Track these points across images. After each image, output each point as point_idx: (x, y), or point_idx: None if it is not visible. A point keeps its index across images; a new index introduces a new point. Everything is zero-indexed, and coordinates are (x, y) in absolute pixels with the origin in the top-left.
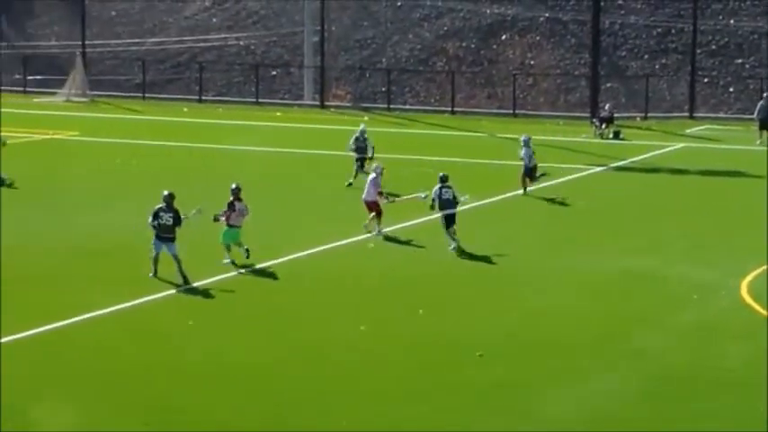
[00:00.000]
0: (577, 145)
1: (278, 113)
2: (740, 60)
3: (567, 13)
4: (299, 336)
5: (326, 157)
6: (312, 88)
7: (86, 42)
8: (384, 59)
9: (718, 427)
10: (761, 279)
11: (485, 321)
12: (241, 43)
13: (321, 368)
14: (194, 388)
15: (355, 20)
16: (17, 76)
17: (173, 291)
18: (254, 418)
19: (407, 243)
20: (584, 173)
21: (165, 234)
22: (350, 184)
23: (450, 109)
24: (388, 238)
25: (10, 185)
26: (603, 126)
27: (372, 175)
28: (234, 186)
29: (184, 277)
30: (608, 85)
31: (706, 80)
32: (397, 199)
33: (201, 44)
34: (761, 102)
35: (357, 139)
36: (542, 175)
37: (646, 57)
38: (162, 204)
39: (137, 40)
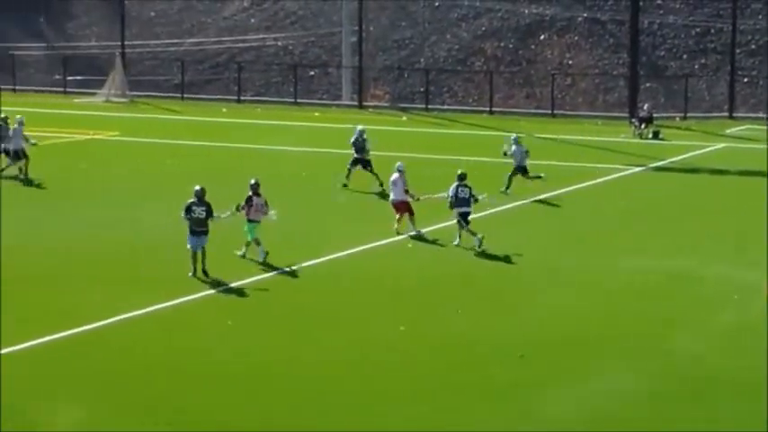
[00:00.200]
0: (616, 145)
1: (316, 113)
2: None
3: (606, 13)
4: (337, 336)
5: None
6: (350, 88)
7: (126, 43)
8: (422, 59)
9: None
10: None
11: (524, 321)
12: (279, 43)
13: (360, 369)
14: (228, 388)
15: (393, 20)
16: (57, 77)
17: (211, 291)
18: (291, 418)
19: (446, 243)
20: (623, 173)
21: (198, 228)
22: (345, 186)
23: (488, 109)
24: (426, 239)
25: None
26: (642, 126)
27: (395, 175)
28: (253, 182)
29: (205, 272)
30: (647, 85)
31: (746, 80)
32: (422, 197)
33: (240, 44)
34: None
35: (357, 140)
36: (537, 177)
37: (685, 56)
38: (194, 199)
39: (176, 41)
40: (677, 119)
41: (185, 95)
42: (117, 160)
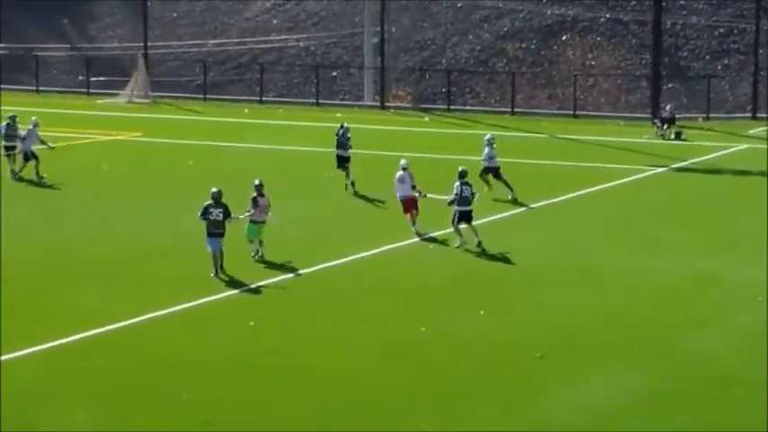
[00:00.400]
0: (639, 146)
1: (338, 114)
2: None
3: (628, 14)
4: (359, 336)
5: (387, 158)
6: (372, 89)
7: (148, 44)
8: (444, 60)
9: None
10: None
11: (547, 322)
12: (301, 44)
13: (384, 369)
14: (255, 388)
15: (415, 21)
16: (80, 78)
17: (233, 291)
18: (316, 417)
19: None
20: (645, 174)
21: (215, 230)
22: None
23: (510, 110)
24: (447, 241)
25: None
26: (665, 127)
27: (401, 172)
28: (257, 182)
29: (216, 271)
30: (669, 85)
31: None
32: (429, 195)
33: (262, 45)
34: None
35: (341, 136)
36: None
37: (707, 57)
38: (210, 201)
39: (198, 42)
40: (700, 119)
41: (207, 96)
42: (139, 161)
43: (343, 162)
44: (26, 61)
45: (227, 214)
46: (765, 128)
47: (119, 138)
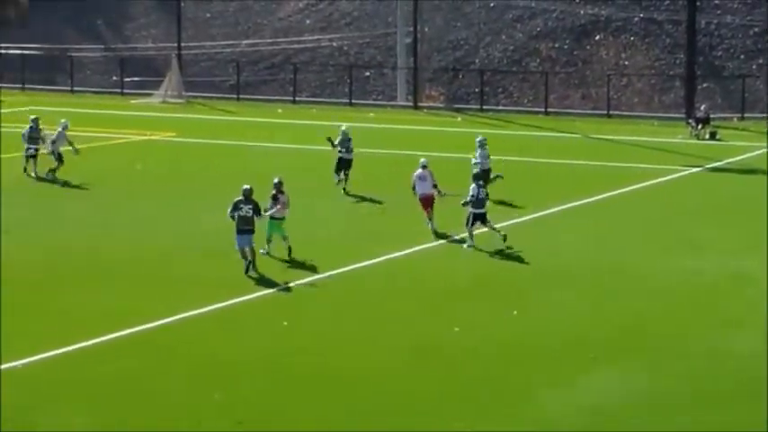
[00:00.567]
0: (673, 146)
1: (371, 114)
2: None
3: (662, 13)
4: (392, 336)
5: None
6: (405, 89)
7: (182, 44)
8: (477, 60)
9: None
10: None
11: (582, 322)
12: (334, 44)
13: (413, 369)
14: (286, 388)
15: (448, 21)
16: (114, 78)
17: (267, 291)
18: (350, 417)
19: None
20: (680, 174)
21: (245, 226)
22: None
23: (543, 110)
24: (480, 241)
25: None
26: (699, 127)
27: (421, 170)
28: (276, 180)
29: (247, 267)
30: (704, 85)
31: None
32: (448, 193)
33: (295, 45)
34: None
35: (342, 140)
36: (497, 177)
37: (742, 56)
38: (241, 197)
39: (231, 42)
40: (734, 119)
41: (241, 96)
42: (173, 161)
43: (345, 165)
44: (61, 62)
45: (257, 211)
46: None
47: (152, 138)
